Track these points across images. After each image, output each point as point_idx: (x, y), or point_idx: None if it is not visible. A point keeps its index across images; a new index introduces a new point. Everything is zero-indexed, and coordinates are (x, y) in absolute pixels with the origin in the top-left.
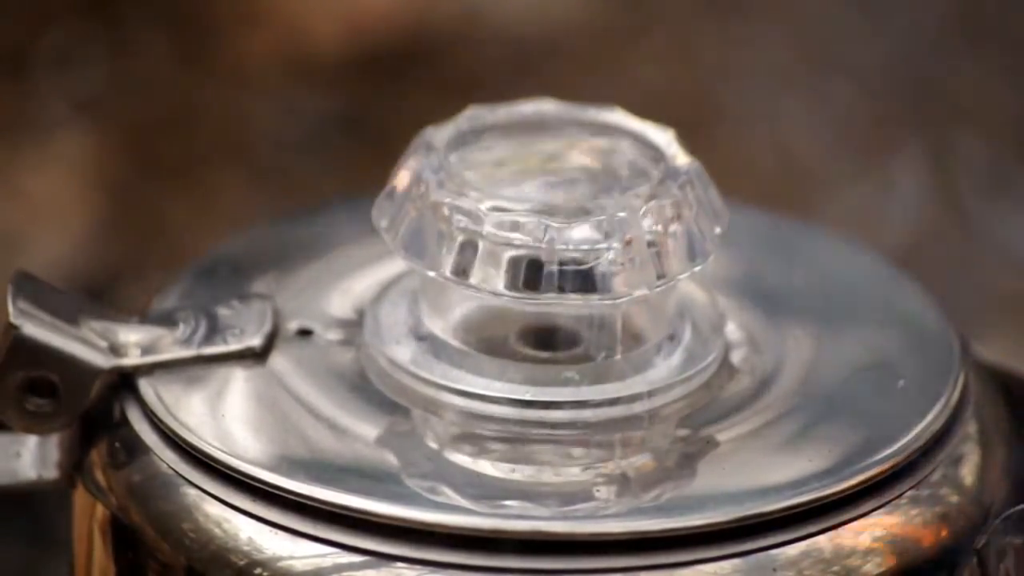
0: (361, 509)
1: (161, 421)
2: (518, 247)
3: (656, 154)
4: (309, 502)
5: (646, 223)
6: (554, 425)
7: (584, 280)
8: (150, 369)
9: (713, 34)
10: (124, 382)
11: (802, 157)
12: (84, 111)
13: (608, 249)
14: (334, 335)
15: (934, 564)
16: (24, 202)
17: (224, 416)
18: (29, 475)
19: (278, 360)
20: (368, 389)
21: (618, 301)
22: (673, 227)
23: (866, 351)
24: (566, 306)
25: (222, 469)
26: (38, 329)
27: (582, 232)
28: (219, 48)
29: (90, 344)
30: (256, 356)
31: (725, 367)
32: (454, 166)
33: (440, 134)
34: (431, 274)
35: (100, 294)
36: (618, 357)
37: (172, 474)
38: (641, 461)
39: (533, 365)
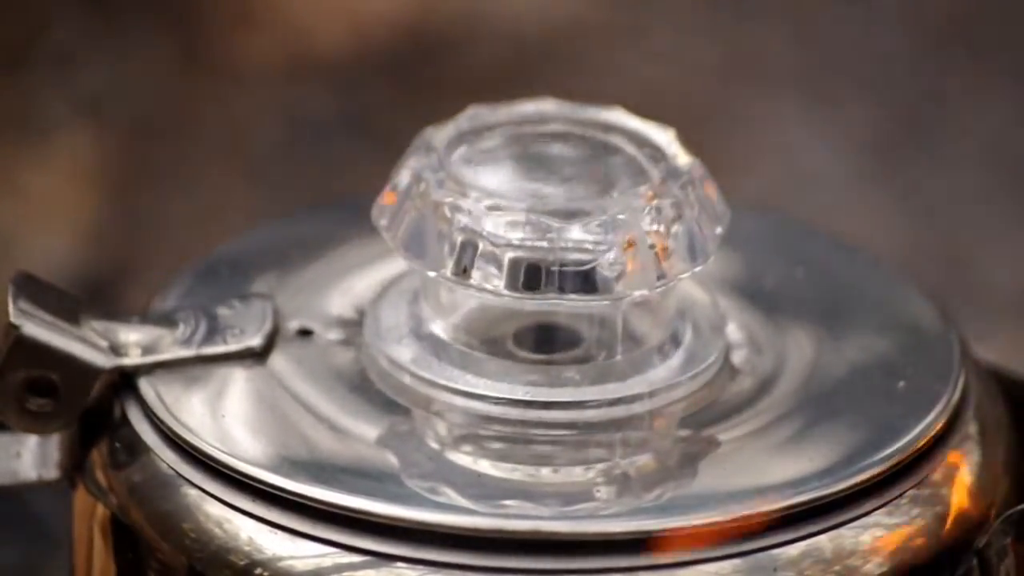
0: (361, 509)
1: (161, 421)
2: (518, 247)
3: (657, 154)
4: (309, 502)
5: (647, 223)
6: (554, 425)
7: (584, 280)
8: (150, 369)
9: (713, 34)
10: (124, 382)
11: (803, 157)
12: (84, 111)
13: (609, 249)
14: (334, 335)
15: (935, 564)
16: (24, 202)
17: (224, 416)
18: (29, 475)
19: (278, 360)
20: (369, 389)
21: (619, 301)
22: (674, 227)
23: (867, 352)
24: (566, 306)
25: (222, 469)
26: (39, 329)
27: (583, 232)
28: (219, 48)
29: (90, 344)
30: (256, 356)
31: (726, 367)
32: (454, 166)
33: (440, 134)
34: (431, 274)
35: (100, 294)
36: (618, 357)
37: (172, 474)
38: (642, 461)
39: (534, 365)
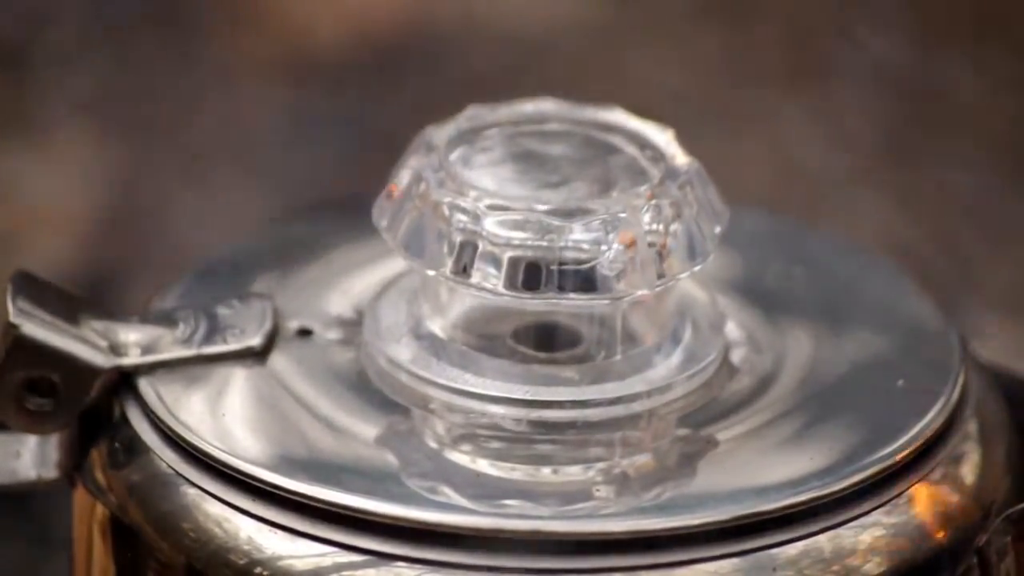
0: (361, 509)
1: (161, 420)
2: (518, 247)
3: (656, 154)
4: (309, 502)
5: (646, 223)
6: (554, 425)
7: (584, 280)
8: (150, 368)
9: (713, 34)
10: (124, 381)
11: (802, 158)
12: (84, 111)
13: (608, 249)
14: (334, 335)
15: (934, 563)
16: (24, 202)
17: (224, 416)
18: (29, 475)
19: (278, 360)
20: (368, 389)
21: (618, 301)
22: (673, 227)
23: (866, 350)
24: (566, 306)
25: (222, 469)
26: (38, 329)
27: (582, 232)
28: (219, 48)
29: (90, 343)
30: (256, 356)
31: (725, 366)
32: (454, 166)
33: (440, 134)
34: (431, 273)
35: (100, 294)
36: (618, 357)
37: (172, 474)
38: (641, 460)
39: (533, 365)
